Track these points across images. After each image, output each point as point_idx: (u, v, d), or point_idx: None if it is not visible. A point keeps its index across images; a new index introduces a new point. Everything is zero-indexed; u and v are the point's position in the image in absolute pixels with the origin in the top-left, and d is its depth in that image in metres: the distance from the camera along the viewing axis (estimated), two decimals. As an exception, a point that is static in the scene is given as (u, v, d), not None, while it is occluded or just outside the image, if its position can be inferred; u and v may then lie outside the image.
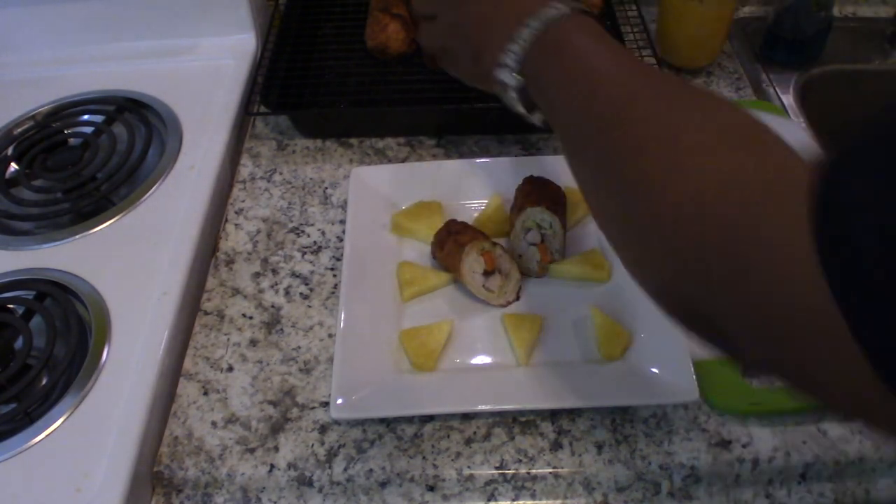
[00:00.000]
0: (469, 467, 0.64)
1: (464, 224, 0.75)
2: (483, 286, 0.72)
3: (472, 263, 0.72)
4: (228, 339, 0.73)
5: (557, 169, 0.79)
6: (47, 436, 0.64)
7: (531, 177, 0.78)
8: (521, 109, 0.57)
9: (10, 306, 0.73)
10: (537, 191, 0.76)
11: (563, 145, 0.52)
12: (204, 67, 0.99)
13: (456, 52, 0.63)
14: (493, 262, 0.72)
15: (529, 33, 0.51)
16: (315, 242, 0.82)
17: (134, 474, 0.61)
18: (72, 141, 0.92)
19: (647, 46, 0.93)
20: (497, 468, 0.64)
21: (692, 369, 0.65)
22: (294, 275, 0.78)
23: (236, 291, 0.77)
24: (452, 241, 0.73)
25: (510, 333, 0.70)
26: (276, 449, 0.65)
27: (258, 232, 0.83)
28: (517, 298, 0.74)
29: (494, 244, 0.73)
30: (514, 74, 0.54)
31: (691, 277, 0.39)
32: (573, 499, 0.63)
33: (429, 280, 0.74)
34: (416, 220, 0.79)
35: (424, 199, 0.81)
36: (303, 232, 0.83)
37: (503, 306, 0.73)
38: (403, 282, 0.74)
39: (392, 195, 0.82)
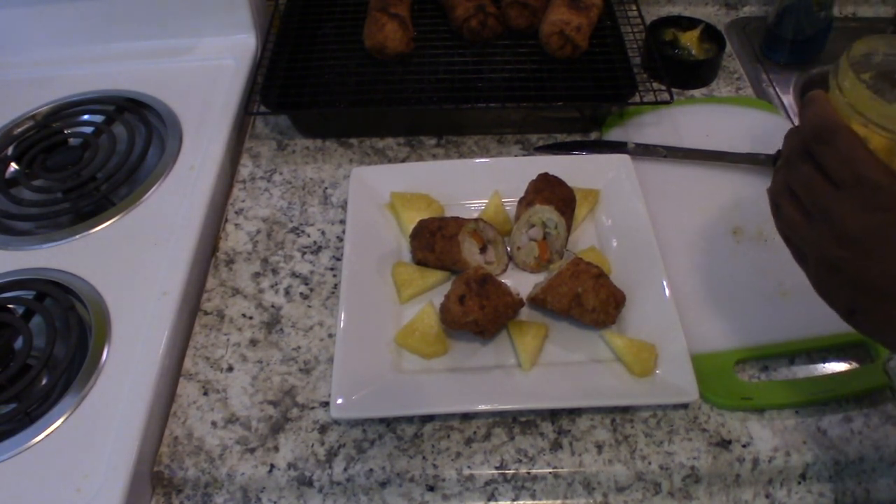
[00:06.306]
0: (469, 467, 0.64)
1: (438, 218, 0.76)
2: (484, 262, 0.75)
3: (470, 247, 0.74)
4: (228, 339, 0.73)
5: (558, 169, 0.79)
6: (47, 436, 0.64)
7: (546, 174, 0.78)
8: None
9: (10, 306, 0.73)
10: (549, 189, 0.76)
11: None
12: (204, 67, 0.99)
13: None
14: (482, 237, 0.75)
15: None
16: (315, 242, 0.82)
17: (134, 474, 0.61)
18: (72, 141, 0.92)
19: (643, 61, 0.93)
20: (497, 468, 0.64)
21: (692, 369, 0.65)
22: (294, 275, 0.78)
23: (236, 291, 0.77)
24: (440, 237, 0.73)
25: (514, 339, 0.69)
26: (276, 449, 0.65)
27: (258, 232, 0.83)
28: (510, 260, 0.77)
29: (476, 220, 0.75)
30: None
31: None
32: (573, 499, 0.63)
33: (426, 279, 0.74)
34: (408, 209, 0.79)
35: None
36: (303, 232, 0.83)
37: (502, 272, 0.76)
38: (400, 283, 0.74)
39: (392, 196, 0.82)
